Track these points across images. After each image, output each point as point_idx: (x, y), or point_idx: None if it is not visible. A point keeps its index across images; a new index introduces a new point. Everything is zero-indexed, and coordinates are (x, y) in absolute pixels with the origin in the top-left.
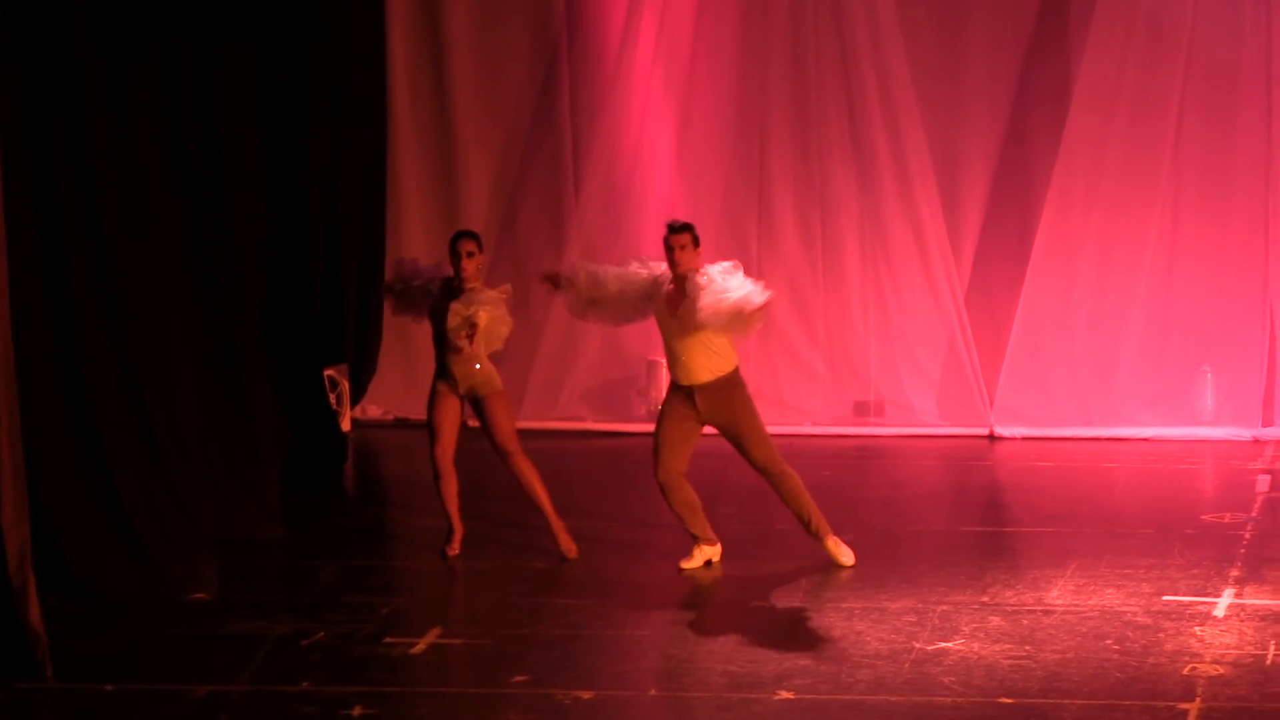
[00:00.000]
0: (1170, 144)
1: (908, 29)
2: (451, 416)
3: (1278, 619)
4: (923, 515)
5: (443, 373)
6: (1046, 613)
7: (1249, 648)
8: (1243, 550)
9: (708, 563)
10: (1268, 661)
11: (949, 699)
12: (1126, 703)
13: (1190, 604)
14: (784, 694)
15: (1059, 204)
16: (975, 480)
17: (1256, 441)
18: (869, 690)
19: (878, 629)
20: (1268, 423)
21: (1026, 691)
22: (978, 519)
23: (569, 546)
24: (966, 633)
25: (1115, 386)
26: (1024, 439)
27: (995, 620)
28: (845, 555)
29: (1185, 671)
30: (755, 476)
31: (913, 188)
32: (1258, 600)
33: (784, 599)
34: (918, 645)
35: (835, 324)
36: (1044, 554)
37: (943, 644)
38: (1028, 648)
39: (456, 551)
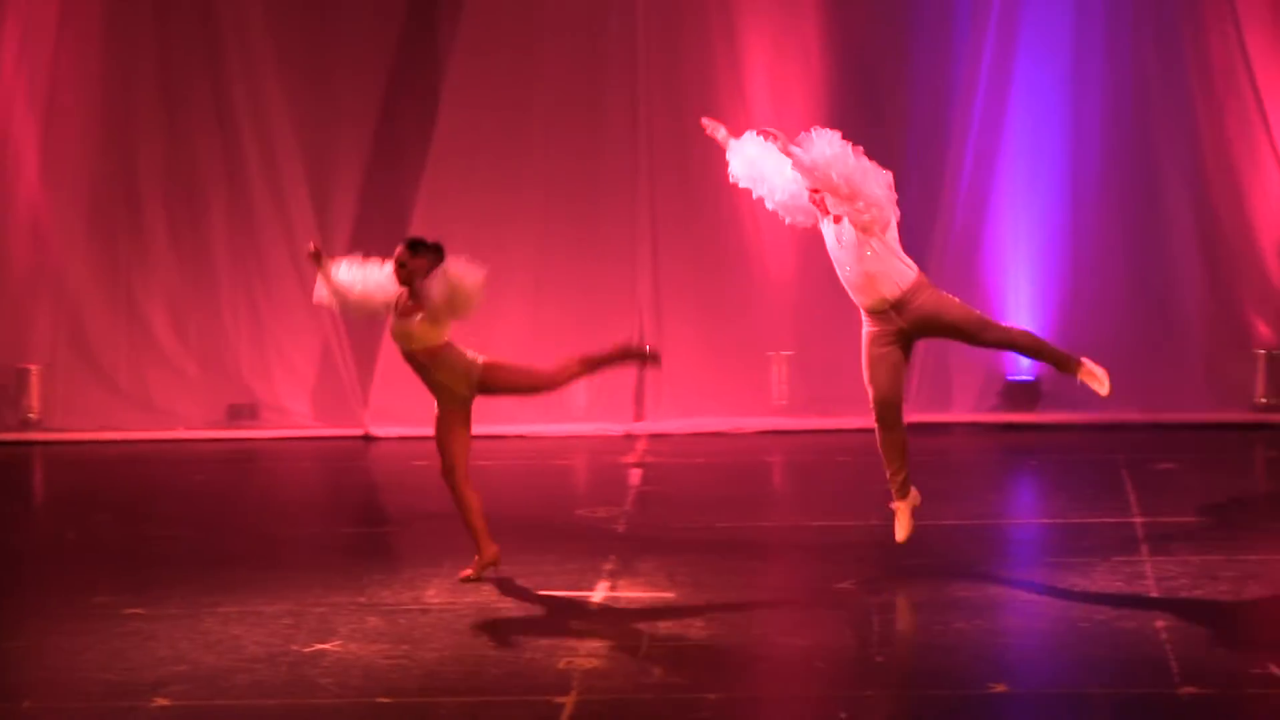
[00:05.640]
0: (539, 146)
1: (274, 33)
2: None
3: (649, 610)
4: (299, 518)
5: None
6: (423, 611)
7: (623, 639)
8: (616, 543)
9: None
10: (641, 652)
11: (328, 700)
12: (503, 698)
13: (565, 598)
14: (161, 701)
15: (429, 206)
16: (352, 481)
17: (628, 436)
18: (247, 694)
19: (254, 632)
20: (639, 417)
21: (405, 690)
22: (355, 520)
23: None
24: (344, 634)
25: None
26: (399, 439)
27: (373, 620)
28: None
29: (561, 665)
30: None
31: (284, 193)
32: (631, 593)
33: (158, 606)
34: (295, 648)
35: (207, 326)
36: (421, 553)
37: (320, 645)
38: (405, 646)
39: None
